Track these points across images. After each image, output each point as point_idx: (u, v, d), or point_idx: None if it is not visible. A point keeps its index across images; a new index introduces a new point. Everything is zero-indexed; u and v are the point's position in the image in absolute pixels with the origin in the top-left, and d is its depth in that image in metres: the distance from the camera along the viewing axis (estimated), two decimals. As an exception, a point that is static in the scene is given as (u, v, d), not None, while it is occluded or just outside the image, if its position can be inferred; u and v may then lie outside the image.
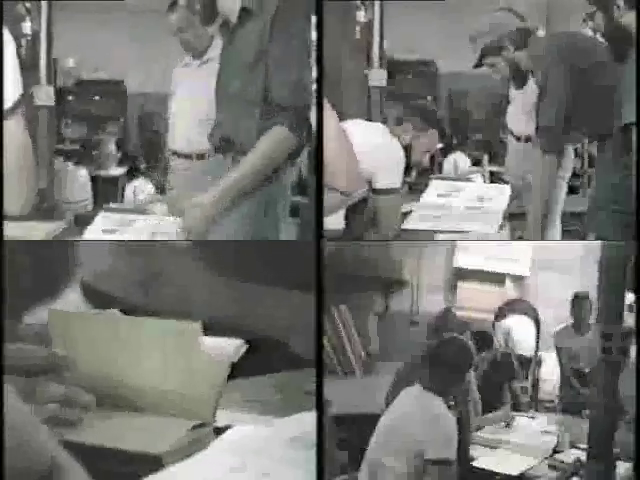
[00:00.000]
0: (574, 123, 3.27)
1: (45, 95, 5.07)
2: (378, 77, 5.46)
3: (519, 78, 3.81)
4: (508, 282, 3.95)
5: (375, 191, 3.29)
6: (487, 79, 3.91)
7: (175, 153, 3.89)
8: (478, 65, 3.54)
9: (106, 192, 5.38)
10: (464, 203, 3.38)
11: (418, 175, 4.20)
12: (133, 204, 4.34)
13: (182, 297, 2.20)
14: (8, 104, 1.89)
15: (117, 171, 6.02)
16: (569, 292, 3.64)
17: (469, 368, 2.66)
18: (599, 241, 2.76)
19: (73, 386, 1.67)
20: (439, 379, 2.50)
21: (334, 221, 3.24)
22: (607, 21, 2.91)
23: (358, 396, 3.34)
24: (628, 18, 2.80)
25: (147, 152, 6.50)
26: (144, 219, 2.75)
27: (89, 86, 6.74)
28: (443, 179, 3.82)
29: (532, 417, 3.33)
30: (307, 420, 1.72)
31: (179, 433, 1.65)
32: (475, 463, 2.79)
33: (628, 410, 2.50)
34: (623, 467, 2.47)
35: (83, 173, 5.22)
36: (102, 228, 2.64)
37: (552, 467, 2.79)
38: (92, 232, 2.63)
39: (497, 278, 3.96)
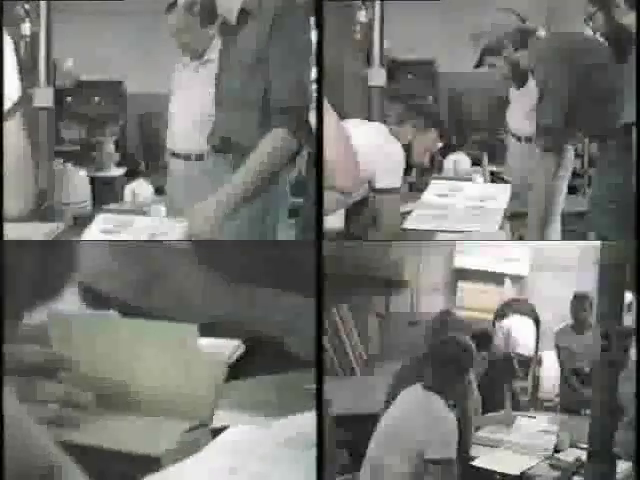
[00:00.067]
0: (574, 123, 3.27)
1: (44, 96, 5.06)
2: (378, 77, 5.45)
3: (519, 78, 3.82)
4: (508, 282, 3.94)
5: (375, 191, 3.28)
6: (487, 79, 3.92)
7: (174, 154, 3.89)
8: (478, 65, 3.55)
9: (105, 193, 5.37)
10: (464, 203, 3.38)
11: (418, 175, 4.21)
12: (132, 205, 4.33)
13: (181, 298, 2.20)
14: (7, 105, 1.89)
15: (116, 172, 6.02)
16: (569, 292, 3.63)
17: (469, 368, 2.66)
18: (599, 241, 2.76)
19: (72, 386, 1.67)
20: (439, 379, 2.50)
21: (334, 221, 3.24)
22: (607, 21, 2.92)
23: (358, 396, 3.33)
24: (628, 18, 2.81)
25: (146, 153, 6.51)
26: (143, 220, 2.75)
27: (88, 87, 6.72)
28: (443, 179, 3.82)
29: (532, 417, 3.33)
30: (306, 421, 1.72)
31: (177, 434, 1.64)
32: (475, 463, 2.79)
33: (628, 410, 2.50)
34: (623, 467, 2.46)
35: (82, 174, 5.21)
36: (101, 229, 2.64)
37: (552, 467, 2.79)
38: (91, 233, 2.63)
39: (497, 278, 3.95)
